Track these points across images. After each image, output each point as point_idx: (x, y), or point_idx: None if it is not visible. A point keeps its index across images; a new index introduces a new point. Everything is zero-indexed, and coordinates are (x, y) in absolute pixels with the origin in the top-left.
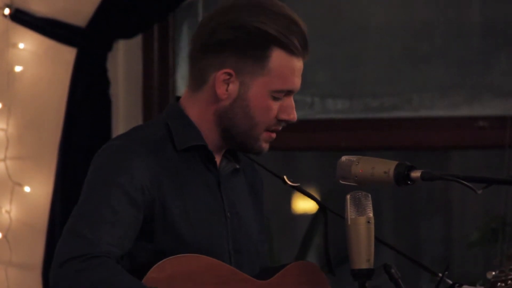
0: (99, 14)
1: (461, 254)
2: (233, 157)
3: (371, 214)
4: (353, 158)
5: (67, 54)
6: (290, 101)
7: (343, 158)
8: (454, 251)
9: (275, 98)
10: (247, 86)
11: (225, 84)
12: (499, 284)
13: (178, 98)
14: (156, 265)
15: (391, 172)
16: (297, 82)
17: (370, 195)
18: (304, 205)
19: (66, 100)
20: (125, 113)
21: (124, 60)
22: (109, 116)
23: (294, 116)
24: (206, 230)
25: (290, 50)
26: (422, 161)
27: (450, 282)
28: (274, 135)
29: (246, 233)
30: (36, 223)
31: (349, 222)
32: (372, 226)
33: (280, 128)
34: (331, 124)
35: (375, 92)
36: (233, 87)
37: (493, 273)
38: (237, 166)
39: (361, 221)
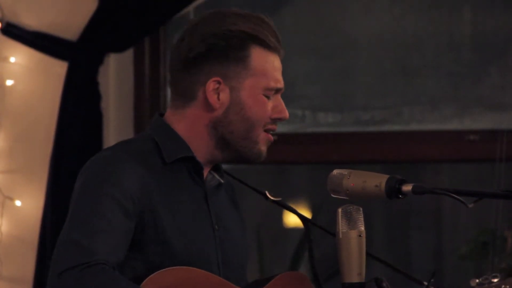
0: (90, 28)
1: (452, 267)
2: (217, 173)
3: (362, 228)
4: (344, 171)
5: (58, 68)
6: (279, 99)
7: (335, 171)
8: (445, 264)
9: (267, 97)
10: (237, 90)
11: (215, 94)
12: None
13: (161, 114)
14: (148, 278)
15: (383, 185)
16: (281, 80)
17: (361, 209)
18: (295, 218)
19: (57, 113)
20: (116, 127)
21: (115, 74)
22: (101, 130)
23: (286, 113)
24: (196, 242)
25: (266, 45)
26: (413, 174)
27: None
28: (271, 137)
29: (233, 246)
30: (27, 237)
31: (340, 236)
32: (364, 239)
33: (276, 127)
34: (322, 137)
35: (366, 105)
36: (224, 95)
37: (477, 280)
38: (222, 181)
39: (353, 235)
